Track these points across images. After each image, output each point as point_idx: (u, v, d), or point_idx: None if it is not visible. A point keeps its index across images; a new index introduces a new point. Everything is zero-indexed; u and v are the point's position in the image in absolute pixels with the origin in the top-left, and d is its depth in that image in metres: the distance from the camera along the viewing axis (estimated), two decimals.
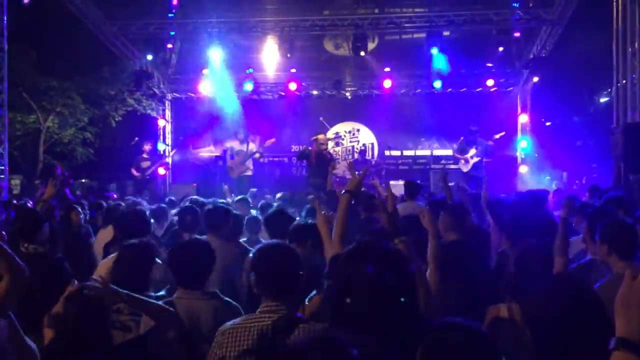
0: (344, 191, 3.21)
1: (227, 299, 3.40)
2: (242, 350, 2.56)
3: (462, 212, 4.57)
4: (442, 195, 6.86)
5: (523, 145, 15.81)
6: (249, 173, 13.37)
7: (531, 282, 2.66)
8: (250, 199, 8.17)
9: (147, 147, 13.79)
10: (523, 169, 15.30)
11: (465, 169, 12.60)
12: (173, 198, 10.22)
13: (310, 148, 11.95)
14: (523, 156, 15.84)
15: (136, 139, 14.43)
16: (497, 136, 12.66)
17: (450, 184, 12.50)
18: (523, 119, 15.97)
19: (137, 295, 2.97)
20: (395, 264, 2.00)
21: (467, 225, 4.53)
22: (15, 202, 7.44)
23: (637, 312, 1.45)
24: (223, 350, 2.60)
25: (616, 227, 3.55)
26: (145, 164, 13.29)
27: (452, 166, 13.32)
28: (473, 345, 1.73)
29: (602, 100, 16.75)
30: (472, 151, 12.57)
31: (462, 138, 12.71)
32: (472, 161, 12.53)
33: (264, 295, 2.73)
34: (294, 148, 16.75)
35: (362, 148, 16.78)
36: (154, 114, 16.67)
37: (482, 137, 12.88)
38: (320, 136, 11.75)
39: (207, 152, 16.23)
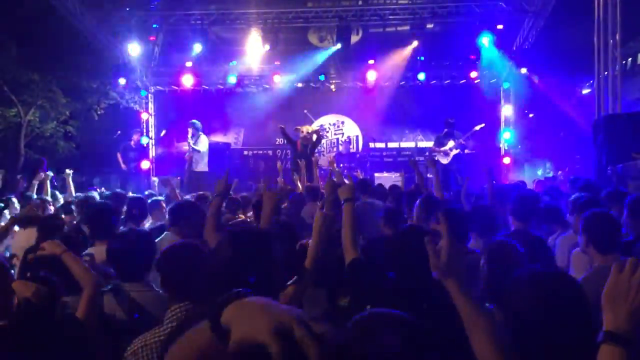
0: (344, 200, 3.21)
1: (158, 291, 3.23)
2: None
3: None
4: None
5: (506, 136, 15.91)
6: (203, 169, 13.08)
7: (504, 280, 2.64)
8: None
9: (135, 136, 13.69)
10: (506, 161, 15.39)
11: (444, 161, 12.62)
12: (153, 192, 10.19)
13: (295, 140, 11.96)
14: (506, 147, 15.93)
15: (119, 132, 14.32)
16: (477, 127, 12.70)
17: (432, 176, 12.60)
18: (506, 110, 16.06)
19: (70, 254, 2.99)
20: None
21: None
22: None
23: (624, 305, 1.47)
24: None
25: (596, 220, 3.55)
26: (132, 155, 13.27)
27: (436, 158, 13.34)
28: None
29: (585, 91, 16.89)
30: (451, 143, 12.59)
31: (445, 130, 12.73)
32: (452, 153, 12.56)
33: (170, 298, 2.64)
34: (279, 141, 16.72)
35: (347, 140, 16.80)
36: (136, 107, 16.53)
37: (462, 128, 12.91)
38: (303, 127, 11.75)
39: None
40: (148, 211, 6.03)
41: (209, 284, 2.08)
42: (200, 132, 13.04)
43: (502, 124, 16.09)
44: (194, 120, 13.07)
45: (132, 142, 13.58)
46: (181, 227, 4.47)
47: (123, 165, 13.22)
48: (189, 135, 12.87)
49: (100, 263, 3.81)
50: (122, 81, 15.04)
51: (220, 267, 2.05)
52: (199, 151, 12.92)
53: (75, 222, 6.08)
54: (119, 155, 13.23)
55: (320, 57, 15.75)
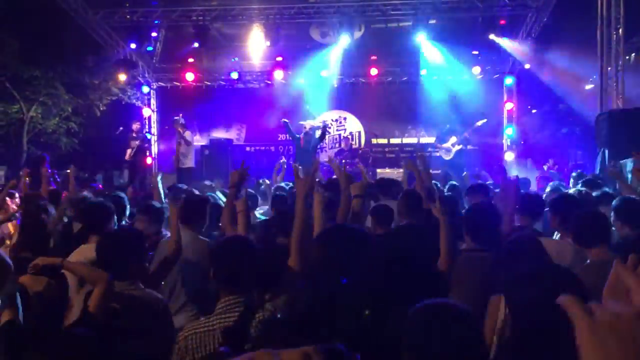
0: (354, 196, 3.40)
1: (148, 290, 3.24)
2: (208, 354, 2.52)
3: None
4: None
5: (509, 132, 15.87)
6: (190, 165, 13.02)
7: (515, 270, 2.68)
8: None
9: (135, 125, 13.69)
10: (509, 156, 15.35)
11: (447, 157, 12.61)
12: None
13: (298, 134, 11.96)
14: (509, 143, 15.89)
15: (121, 128, 14.32)
16: (479, 123, 12.67)
17: (436, 172, 12.58)
18: (509, 106, 16.01)
19: (69, 261, 3.06)
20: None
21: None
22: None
23: (625, 301, 1.45)
24: (190, 356, 2.54)
25: (582, 219, 3.57)
26: (134, 143, 13.24)
27: (438, 154, 13.32)
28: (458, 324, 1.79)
29: (588, 87, 16.82)
30: (453, 139, 12.57)
31: (447, 126, 12.71)
32: (454, 149, 12.55)
33: (222, 290, 2.70)
34: (281, 137, 16.70)
35: (349, 136, 16.77)
36: (138, 103, 16.54)
37: (465, 124, 12.90)
38: (307, 122, 11.77)
39: (194, 142, 16.11)
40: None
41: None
42: (186, 128, 13.02)
43: (505, 120, 16.05)
44: (178, 117, 12.99)
45: (133, 133, 13.56)
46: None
47: (128, 157, 13.20)
48: (181, 132, 12.75)
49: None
50: (121, 77, 15.02)
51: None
52: (190, 145, 12.90)
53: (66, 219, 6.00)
54: (128, 152, 13.21)
55: (330, 54, 15.64)
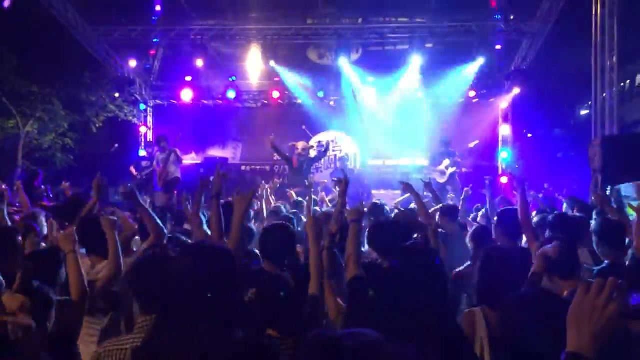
0: (351, 221, 3.40)
1: None
2: None
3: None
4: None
5: (504, 156, 15.91)
6: (177, 175, 12.94)
7: (500, 288, 2.73)
8: None
9: (149, 149, 13.65)
10: (504, 180, 15.37)
11: (441, 180, 12.61)
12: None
13: (289, 155, 11.96)
14: (504, 167, 15.93)
15: (116, 145, 14.31)
16: (472, 145, 12.70)
17: (427, 194, 12.57)
18: (504, 130, 16.07)
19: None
20: None
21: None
22: None
23: (588, 326, 1.45)
24: None
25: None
26: (145, 164, 13.17)
27: (432, 176, 13.33)
28: None
29: (583, 112, 16.94)
30: (446, 162, 12.58)
31: (441, 149, 12.72)
32: (448, 172, 12.54)
33: (141, 309, 2.64)
34: (276, 157, 16.70)
35: (345, 157, 16.78)
36: (135, 120, 16.56)
37: (459, 147, 12.93)
38: (299, 143, 11.76)
39: (189, 160, 16.11)
40: None
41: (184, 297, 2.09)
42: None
43: (500, 143, 16.10)
44: (161, 136, 12.98)
45: (147, 154, 13.53)
46: None
47: (136, 174, 13.10)
48: (172, 151, 12.70)
49: None
50: (120, 94, 15.09)
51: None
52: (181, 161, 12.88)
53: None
54: (132, 169, 13.12)
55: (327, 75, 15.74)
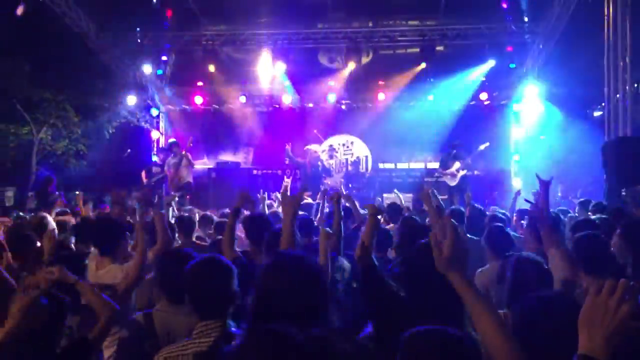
0: (370, 214, 3.38)
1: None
2: None
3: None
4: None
5: (516, 158, 15.82)
6: (188, 180, 13.00)
7: (525, 293, 2.70)
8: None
9: (161, 155, 13.69)
10: (517, 183, 15.28)
11: (452, 183, 12.55)
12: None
13: (302, 160, 11.99)
14: (517, 169, 15.84)
15: (129, 150, 14.39)
16: (482, 147, 12.64)
17: (443, 197, 12.52)
18: (517, 132, 15.98)
19: (84, 283, 3.08)
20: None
21: None
22: None
23: (600, 328, 1.44)
24: None
25: (584, 242, 3.53)
26: (156, 170, 13.19)
27: (443, 179, 13.28)
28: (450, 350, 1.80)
29: (596, 114, 16.77)
30: (457, 164, 12.51)
31: (451, 151, 12.66)
32: (459, 174, 12.47)
33: (199, 315, 2.64)
34: (287, 161, 16.77)
35: (356, 160, 16.78)
36: (147, 126, 16.65)
37: (471, 149, 12.87)
38: (312, 147, 11.79)
39: (201, 164, 16.17)
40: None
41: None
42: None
43: (513, 146, 16.01)
44: (173, 141, 13.06)
45: (159, 160, 13.54)
46: None
47: (146, 180, 13.12)
48: (183, 153, 12.75)
49: None
50: (130, 100, 15.19)
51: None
52: (193, 166, 12.94)
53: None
54: (143, 174, 13.15)
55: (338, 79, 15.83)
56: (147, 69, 15.12)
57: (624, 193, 8.52)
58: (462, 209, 6.87)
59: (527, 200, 4.48)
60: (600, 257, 3.45)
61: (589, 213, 6.84)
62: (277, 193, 9.67)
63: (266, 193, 9.80)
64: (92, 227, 4.61)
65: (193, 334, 2.58)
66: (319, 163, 11.85)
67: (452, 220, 1.96)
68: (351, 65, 14.96)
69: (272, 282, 2.07)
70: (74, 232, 5.74)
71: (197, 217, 7.14)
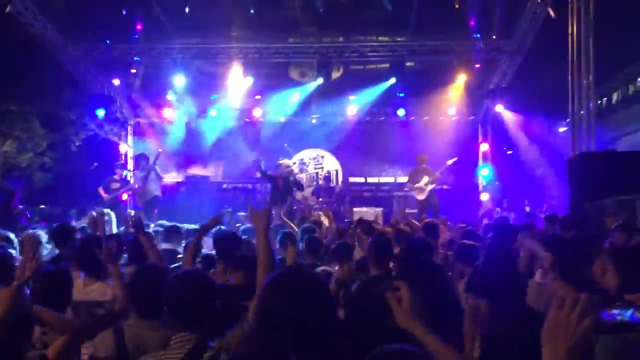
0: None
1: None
2: None
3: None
4: None
5: (484, 173, 16.04)
6: (157, 193, 12.93)
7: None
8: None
9: (119, 170, 13.51)
10: (484, 197, 15.49)
11: (420, 197, 12.66)
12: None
13: (272, 173, 11.95)
14: (484, 184, 16.05)
15: (95, 164, 14.17)
16: (450, 162, 12.80)
17: (412, 211, 12.58)
18: (484, 147, 16.23)
19: (38, 308, 3.01)
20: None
21: None
22: None
23: (563, 341, 1.45)
24: None
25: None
26: (115, 186, 12.96)
27: (412, 193, 13.38)
28: None
29: (562, 129, 17.13)
30: (425, 179, 12.63)
31: (419, 166, 12.78)
32: (427, 188, 12.59)
33: (177, 327, 2.68)
34: (258, 175, 16.70)
35: (326, 175, 16.80)
36: (115, 139, 16.44)
37: (439, 164, 13.03)
38: (284, 161, 11.76)
39: (170, 178, 16.01)
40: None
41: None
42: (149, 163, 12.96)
43: (480, 161, 16.24)
44: (141, 154, 12.99)
45: (116, 176, 13.34)
46: None
47: (105, 196, 12.91)
48: (151, 169, 12.65)
49: None
50: (100, 112, 15.00)
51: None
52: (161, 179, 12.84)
53: None
54: (101, 191, 12.91)
55: (302, 92, 15.93)
56: (115, 81, 14.95)
57: (587, 207, 8.69)
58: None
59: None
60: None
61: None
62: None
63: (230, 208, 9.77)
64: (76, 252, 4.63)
65: (169, 345, 2.60)
66: (291, 178, 11.80)
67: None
68: (322, 80, 15.03)
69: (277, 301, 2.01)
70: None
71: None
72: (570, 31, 10.54)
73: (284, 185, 11.42)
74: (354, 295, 3.67)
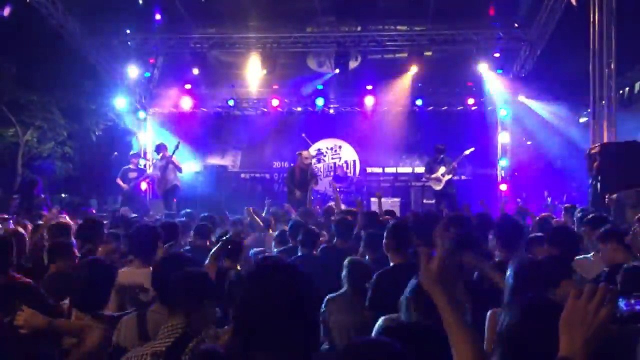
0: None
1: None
2: None
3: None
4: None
5: (503, 164, 15.91)
6: (176, 183, 12.89)
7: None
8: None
9: (135, 159, 13.58)
10: (503, 187, 15.37)
11: (437, 187, 12.57)
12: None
13: (293, 165, 11.96)
14: (503, 175, 15.93)
15: (115, 153, 14.32)
16: (467, 152, 12.66)
17: (430, 202, 12.52)
18: (503, 137, 16.08)
19: (55, 320, 3.06)
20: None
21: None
22: None
23: (580, 331, 1.47)
24: None
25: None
26: (132, 175, 13.02)
27: (428, 184, 13.29)
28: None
29: (582, 119, 16.92)
30: (442, 169, 12.51)
31: (438, 156, 12.66)
32: (444, 179, 12.48)
33: (169, 313, 2.76)
34: (276, 164, 16.75)
35: (344, 164, 16.81)
36: (134, 129, 16.58)
37: (453, 154, 12.88)
38: (305, 152, 11.74)
39: (188, 167, 16.09)
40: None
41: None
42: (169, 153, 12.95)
43: (500, 151, 16.11)
44: (160, 144, 12.99)
45: (132, 165, 13.39)
46: None
47: (124, 186, 12.97)
48: (169, 155, 12.65)
49: None
50: (121, 102, 15.11)
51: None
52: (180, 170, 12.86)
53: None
54: (119, 181, 12.96)
55: (319, 81, 15.93)
56: (134, 71, 15.05)
57: (607, 199, 8.58)
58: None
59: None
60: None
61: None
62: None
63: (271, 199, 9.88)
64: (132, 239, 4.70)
65: (158, 334, 2.66)
66: (309, 170, 11.68)
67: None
68: (339, 70, 14.99)
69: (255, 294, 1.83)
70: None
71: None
72: (592, 19, 10.38)
73: (300, 176, 11.41)
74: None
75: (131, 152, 14.26)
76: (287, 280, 1.75)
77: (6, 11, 11.61)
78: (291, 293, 1.72)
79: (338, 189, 14.00)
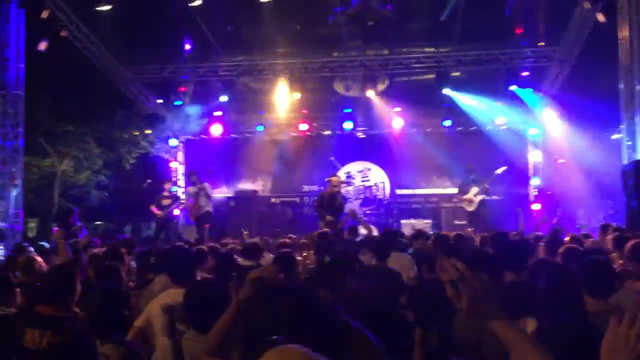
0: None
1: None
2: None
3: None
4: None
5: (535, 182, 15.72)
6: (208, 209, 13.05)
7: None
8: None
9: (167, 185, 13.79)
10: (536, 207, 15.16)
11: (470, 209, 12.45)
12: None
13: (323, 189, 11.99)
14: (536, 193, 15.72)
15: (148, 181, 14.56)
16: (499, 171, 12.53)
17: (461, 222, 12.40)
18: (535, 156, 15.91)
19: None
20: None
21: None
22: None
23: (621, 358, 1.47)
24: None
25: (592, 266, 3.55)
26: (166, 202, 13.21)
27: (461, 205, 13.16)
28: None
29: (614, 136, 16.63)
30: (474, 189, 12.38)
31: (469, 176, 12.55)
32: (476, 200, 12.35)
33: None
34: (305, 188, 16.81)
35: (374, 187, 16.79)
36: (167, 156, 16.86)
37: (485, 174, 12.76)
38: (334, 178, 11.73)
39: (219, 193, 16.30)
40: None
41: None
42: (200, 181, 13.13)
43: (531, 170, 15.93)
44: (192, 171, 13.28)
45: (166, 192, 13.59)
46: None
47: (159, 213, 13.14)
48: (203, 185, 12.85)
49: None
50: (149, 131, 15.45)
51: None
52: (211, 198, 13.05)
53: None
54: (153, 208, 13.15)
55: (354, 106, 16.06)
56: (165, 100, 15.39)
57: None
58: None
59: None
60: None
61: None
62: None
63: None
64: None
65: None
66: (338, 197, 11.56)
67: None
68: (367, 93, 15.08)
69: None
70: None
71: None
72: (620, 36, 10.29)
73: (329, 202, 11.36)
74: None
75: (165, 180, 14.53)
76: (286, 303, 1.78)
77: (43, 45, 12.02)
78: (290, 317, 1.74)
79: (364, 214, 13.98)
